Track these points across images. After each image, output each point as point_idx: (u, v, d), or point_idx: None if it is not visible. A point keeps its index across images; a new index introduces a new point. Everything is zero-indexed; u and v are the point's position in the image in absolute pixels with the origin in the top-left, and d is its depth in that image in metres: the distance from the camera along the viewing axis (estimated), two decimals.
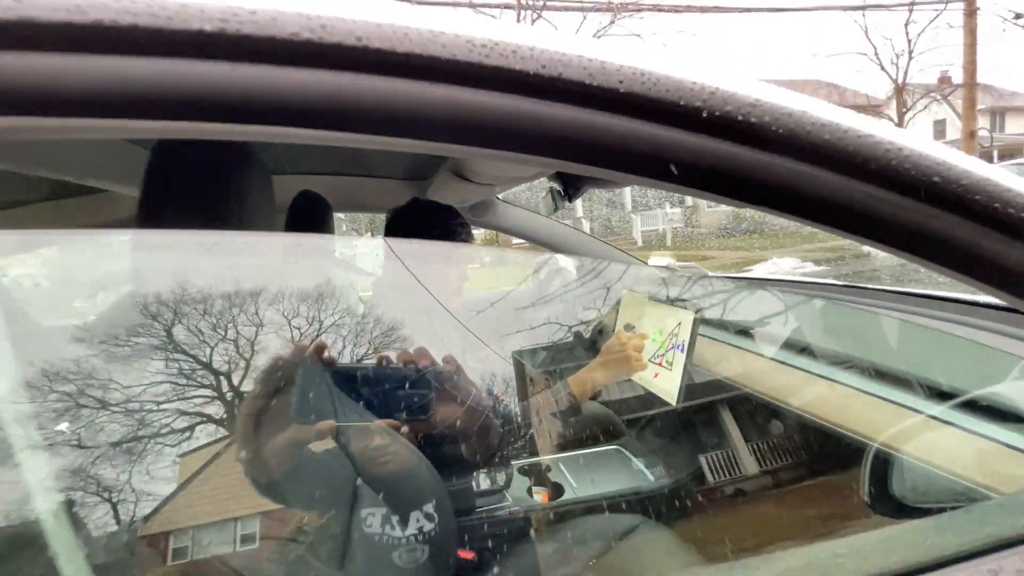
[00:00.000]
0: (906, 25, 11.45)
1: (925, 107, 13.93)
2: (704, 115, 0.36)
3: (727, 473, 0.87)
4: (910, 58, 11.84)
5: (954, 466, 0.54)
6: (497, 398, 0.85)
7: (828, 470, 0.81)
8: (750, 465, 0.86)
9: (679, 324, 0.85)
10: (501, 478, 0.85)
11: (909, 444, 0.62)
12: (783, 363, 0.85)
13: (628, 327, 0.98)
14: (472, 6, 7.89)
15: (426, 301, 0.76)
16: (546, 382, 0.96)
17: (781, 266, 9.75)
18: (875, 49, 11.97)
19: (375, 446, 0.59)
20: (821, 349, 0.84)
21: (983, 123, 30.54)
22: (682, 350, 0.85)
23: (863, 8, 11.31)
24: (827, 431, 0.76)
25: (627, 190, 20.22)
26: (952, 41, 12.08)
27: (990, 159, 28.73)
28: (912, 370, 0.74)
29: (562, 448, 0.93)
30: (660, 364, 0.87)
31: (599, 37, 8.03)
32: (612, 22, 7.56)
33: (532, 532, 0.81)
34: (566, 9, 8.04)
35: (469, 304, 0.96)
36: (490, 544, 0.65)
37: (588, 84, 0.33)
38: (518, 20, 7.96)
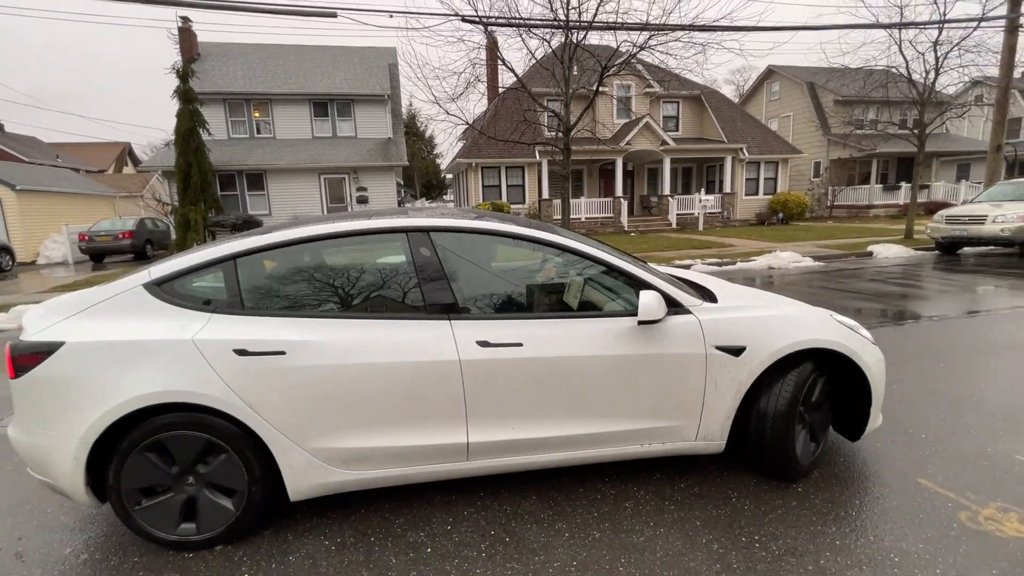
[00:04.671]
0: (935, 44, 11.89)
1: (961, 115, 14.14)
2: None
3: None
4: (937, 74, 12.27)
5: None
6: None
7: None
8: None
9: (537, 292, 2.82)
10: None
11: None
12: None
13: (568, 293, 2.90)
14: (524, 26, 9.45)
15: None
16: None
17: (781, 257, 11.00)
18: (907, 63, 12.47)
19: None
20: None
21: None
22: (542, 296, 2.80)
23: (899, 25, 11.92)
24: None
25: (667, 177, 21.36)
26: (984, 61, 12.40)
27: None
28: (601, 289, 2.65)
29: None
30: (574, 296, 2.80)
31: (627, 63, 9.40)
32: (644, 45, 8.86)
33: None
34: (606, 29, 9.47)
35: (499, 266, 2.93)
36: None
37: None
38: (565, 39, 9.47)
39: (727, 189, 21.94)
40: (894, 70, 12.67)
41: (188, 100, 15.84)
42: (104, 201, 23.24)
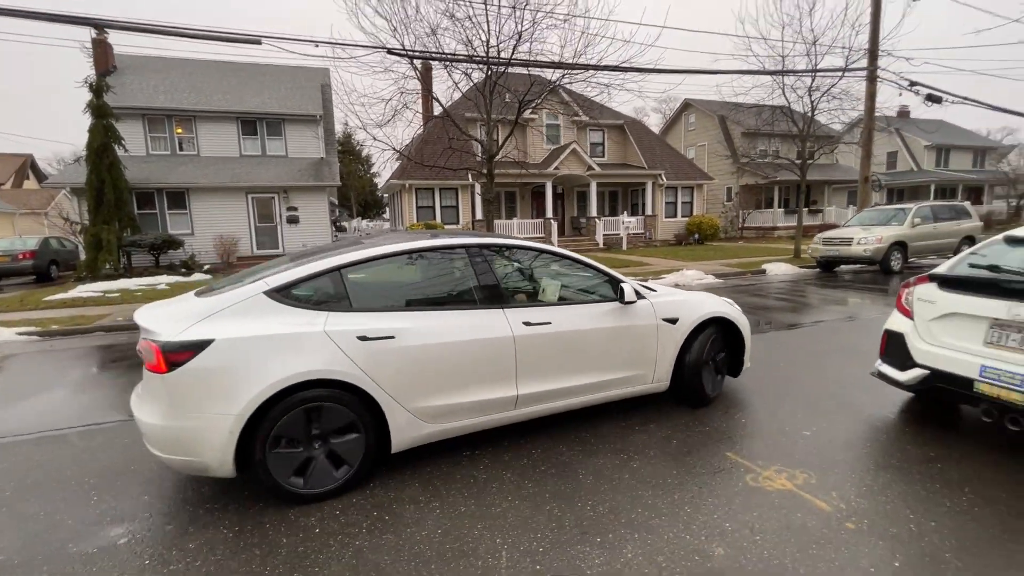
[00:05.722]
0: (810, 90, 13.82)
1: (832, 150, 16.22)
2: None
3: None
4: (813, 115, 14.20)
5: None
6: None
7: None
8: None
9: (554, 287, 3.52)
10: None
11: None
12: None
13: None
14: (447, 60, 10.07)
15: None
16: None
17: (687, 275, 12.14)
18: (789, 104, 14.33)
19: None
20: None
21: (928, 158, 33.44)
22: (557, 290, 3.68)
23: (780, 72, 13.69)
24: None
25: (594, 199, 22.65)
26: (849, 106, 14.53)
27: (899, 197, 31.20)
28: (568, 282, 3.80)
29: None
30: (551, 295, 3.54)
31: (543, 98, 10.25)
32: (557, 84, 9.71)
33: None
34: (523, 65, 10.26)
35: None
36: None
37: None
38: (487, 76, 10.18)
39: (649, 212, 23.55)
40: (780, 110, 14.43)
41: (102, 115, 15.17)
42: (1, 219, 21.42)
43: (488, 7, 9.66)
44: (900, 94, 14.51)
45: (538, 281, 3.75)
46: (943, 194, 31.69)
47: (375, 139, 10.28)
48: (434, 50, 10.23)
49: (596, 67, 10.37)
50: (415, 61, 10.65)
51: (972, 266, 3.43)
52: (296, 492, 2.71)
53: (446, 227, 19.99)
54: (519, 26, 9.69)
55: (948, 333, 3.28)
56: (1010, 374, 2.89)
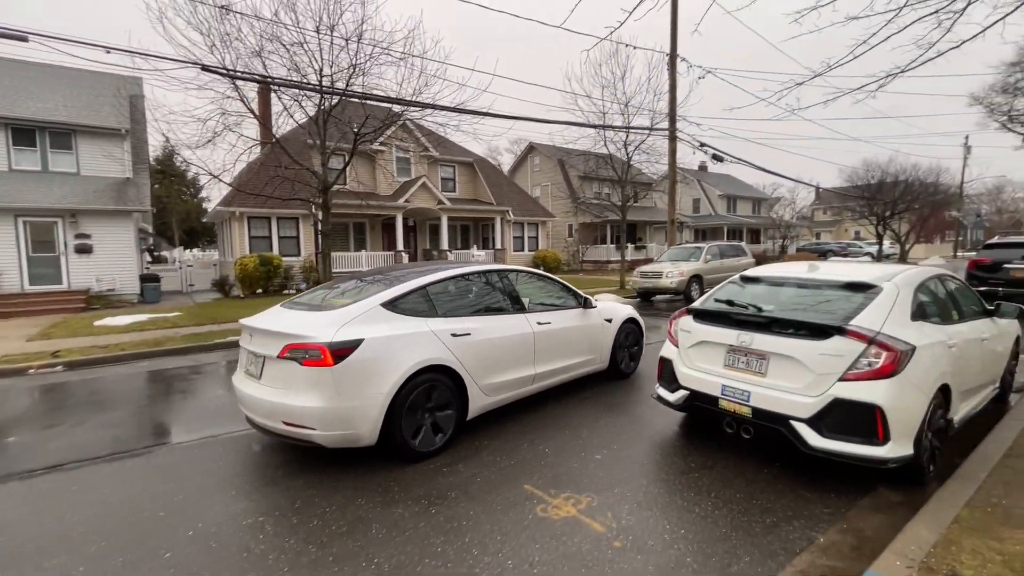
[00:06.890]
0: (625, 144, 16.11)
1: (645, 195, 18.88)
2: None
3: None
4: (628, 165, 16.49)
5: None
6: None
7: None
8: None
9: (549, 298, 5.43)
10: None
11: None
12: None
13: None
14: (274, 84, 9.51)
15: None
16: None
17: None
18: (610, 154, 16.43)
19: None
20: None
21: (722, 205, 40.71)
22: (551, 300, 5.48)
23: (603, 127, 15.65)
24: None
25: (445, 233, 22.98)
26: (655, 159, 17.24)
27: (704, 236, 38.52)
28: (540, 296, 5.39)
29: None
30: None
31: (380, 132, 10.23)
32: (393, 121, 9.75)
33: None
34: (360, 98, 10.12)
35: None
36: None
37: None
38: (320, 104, 9.81)
39: (498, 245, 24.57)
40: (603, 158, 16.35)
41: None
42: None
43: (321, 36, 9.38)
44: (694, 152, 17.47)
45: (539, 294, 5.19)
46: (733, 235, 38.50)
47: (187, 161, 9.15)
48: (260, 72, 9.58)
49: (434, 106, 10.64)
50: (237, 82, 9.83)
51: (717, 300, 4.13)
52: (415, 450, 3.69)
53: (284, 260, 18.45)
54: (354, 59, 9.56)
55: (701, 358, 3.88)
56: (740, 391, 3.50)
